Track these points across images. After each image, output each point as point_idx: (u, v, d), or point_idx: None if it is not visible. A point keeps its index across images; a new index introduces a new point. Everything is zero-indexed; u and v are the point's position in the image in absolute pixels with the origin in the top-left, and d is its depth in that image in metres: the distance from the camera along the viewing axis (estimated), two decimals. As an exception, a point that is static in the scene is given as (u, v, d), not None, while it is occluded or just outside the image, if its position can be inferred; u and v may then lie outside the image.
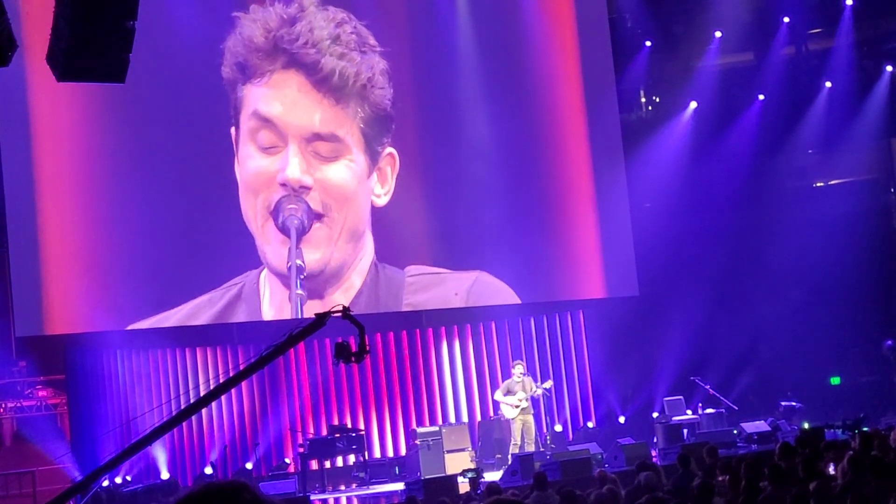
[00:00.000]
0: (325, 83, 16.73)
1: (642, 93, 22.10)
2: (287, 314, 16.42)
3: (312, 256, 16.65)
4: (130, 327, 16.13)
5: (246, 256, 16.69)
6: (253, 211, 16.65)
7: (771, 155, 20.85)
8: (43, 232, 15.81)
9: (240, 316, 16.65)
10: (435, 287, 17.85)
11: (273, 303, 16.72)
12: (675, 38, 21.12)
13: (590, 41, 19.68)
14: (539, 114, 19.26)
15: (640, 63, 20.85)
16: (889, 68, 20.79)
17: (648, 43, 20.70)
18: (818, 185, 22.05)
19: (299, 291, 16.47)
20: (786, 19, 20.76)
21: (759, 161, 20.69)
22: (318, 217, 16.70)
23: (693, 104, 20.82)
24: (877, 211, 21.28)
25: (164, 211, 16.31)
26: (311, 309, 15.68)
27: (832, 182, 22.00)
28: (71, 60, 8.36)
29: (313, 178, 16.67)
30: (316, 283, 16.81)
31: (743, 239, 20.25)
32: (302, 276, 16.51)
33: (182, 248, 16.40)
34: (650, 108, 22.31)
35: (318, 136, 16.77)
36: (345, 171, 16.98)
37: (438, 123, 18.32)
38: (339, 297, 16.38)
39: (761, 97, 20.90)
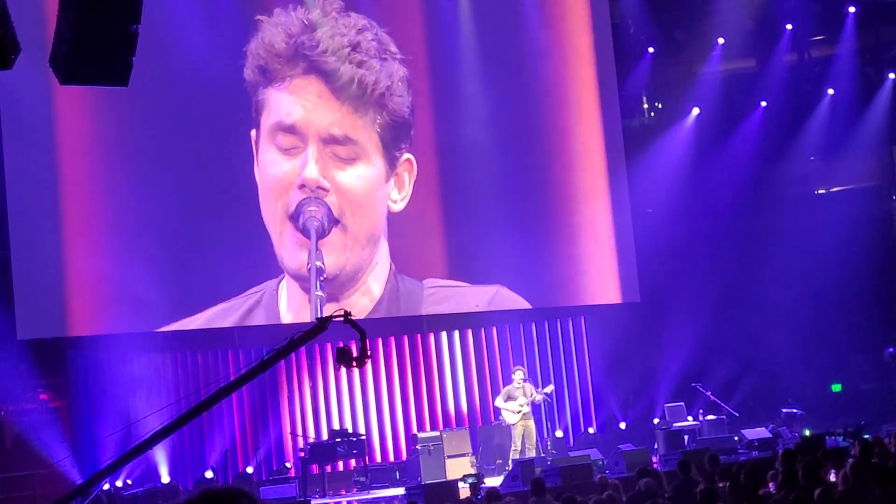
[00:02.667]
0: (343, 91, 16.87)
1: (645, 99, 22.07)
2: (305, 317, 16.40)
3: (328, 260, 16.71)
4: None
5: (265, 265, 16.76)
6: (273, 214, 16.73)
7: (773, 162, 20.85)
8: (54, 235, 15.82)
9: (258, 320, 16.70)
10: (455, 299, 18.01)
11: (291, 307, 16.77)
12: (677, 44, 21.12)
13: (593, 47, 19.69)
14: (546, 116, 19.25)
15: (642, 69, 20.87)
16: (891, 76, 20.79)
17: (651, 49, 20.70)
18: (820, 192, 22.04)
19: (319, 293, 16.51)
20: (788, 26, 20.77)
21: (760, 168, 20.70)
22: (336, 222, 16.78)
23: (695, 110, 20.82)
24: (878, 218, 21.26)
25: (183, 216, 16.39)
26: (330, 311, 15.67)
27: (834, 189, 21.98)
28: (73, 64, 8.34)
29: (331, 180, 16.75)
30: (332, 287, 16.86)
31: (744, 245, 20.25)
32: (322, 278, 16.57)
33: (203, 255, 16.43)
34: (652, 114, 22.29)
35: (335, 139, 16.88)
36: (361, 175, 17.06)
37: (452, 132, 18.35)
38: (357, 302, 16.60)
39: (763, 104, 20.91)
